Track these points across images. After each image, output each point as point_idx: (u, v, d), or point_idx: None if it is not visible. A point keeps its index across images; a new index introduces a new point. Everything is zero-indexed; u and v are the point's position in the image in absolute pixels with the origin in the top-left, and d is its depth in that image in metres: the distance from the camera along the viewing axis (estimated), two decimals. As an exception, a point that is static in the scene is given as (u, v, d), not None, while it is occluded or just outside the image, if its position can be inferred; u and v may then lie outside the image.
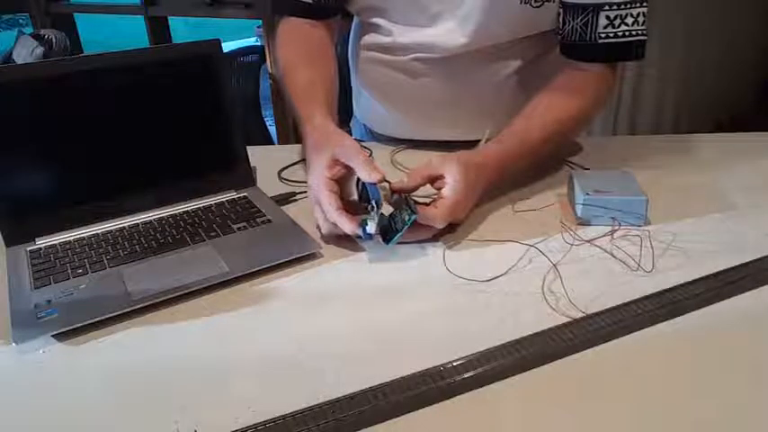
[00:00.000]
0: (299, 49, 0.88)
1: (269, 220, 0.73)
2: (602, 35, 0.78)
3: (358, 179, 0.69)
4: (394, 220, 0.66)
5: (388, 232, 0.65)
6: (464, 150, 0.73)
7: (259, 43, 4.30)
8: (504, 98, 0.90)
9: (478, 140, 0.79)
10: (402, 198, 0.68)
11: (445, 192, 0.68)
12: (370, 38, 0.94)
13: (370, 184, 0.65)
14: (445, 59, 0.87)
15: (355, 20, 0.99)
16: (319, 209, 0.68)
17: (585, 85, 0.82)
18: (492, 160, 0.73)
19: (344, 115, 1.01)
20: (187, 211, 0.76)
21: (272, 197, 0.79)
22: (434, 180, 0.70)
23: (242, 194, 0.80)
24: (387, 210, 0.66)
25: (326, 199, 0.65)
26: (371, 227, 0.63)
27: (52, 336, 0.55)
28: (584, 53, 0.81)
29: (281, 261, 0.65)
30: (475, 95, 0.91)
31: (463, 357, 0.50)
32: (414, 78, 0.92)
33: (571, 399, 0.47)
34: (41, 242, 0.70)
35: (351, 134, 1.07)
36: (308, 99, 0.80)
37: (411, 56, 0.90)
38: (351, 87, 1.08)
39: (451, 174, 0.68)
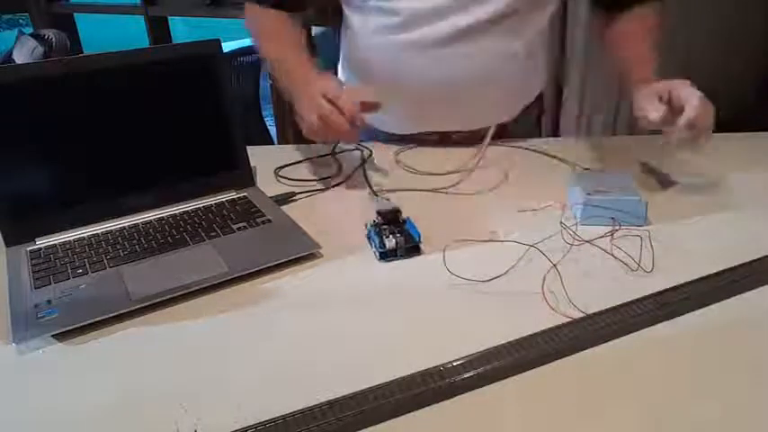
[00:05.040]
0: (268, 21, 0.94)
1: (269, 220, 0.73)
2: None
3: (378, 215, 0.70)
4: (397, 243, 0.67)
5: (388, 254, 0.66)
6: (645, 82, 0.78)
7: (259, 43, 4.29)
8: (503, 83, 0.91)
9: (479, 129, 0.79)
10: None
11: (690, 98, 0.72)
12: (376, 20, 0.92)
13: (411, 225, 0.68)
14: (449, 39, 0.87)
15: (343, 24, 0.98)
16: (324, 102, 0.73)
17: (647, 16, 0.90)
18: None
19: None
20: (187, 211, 0.76)
21: (271, 197, 0.79)
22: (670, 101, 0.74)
23: (242, 194, 0.79)
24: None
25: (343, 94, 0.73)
26: (390, 242, 0.66)
27: (52, 336, 0.55)
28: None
29: (281, 261, 0.65)
30: (475, 78, 0.91)
31: (463, 357, 0.50)
32: (417, 55, 0.90)
33: (571, 399, 0.47)
34: (41, 242, 0.70)
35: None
36: (283, 42, 0.88)
37: (417, 31, 0.88)
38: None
39: (686, 86, 0.74)
